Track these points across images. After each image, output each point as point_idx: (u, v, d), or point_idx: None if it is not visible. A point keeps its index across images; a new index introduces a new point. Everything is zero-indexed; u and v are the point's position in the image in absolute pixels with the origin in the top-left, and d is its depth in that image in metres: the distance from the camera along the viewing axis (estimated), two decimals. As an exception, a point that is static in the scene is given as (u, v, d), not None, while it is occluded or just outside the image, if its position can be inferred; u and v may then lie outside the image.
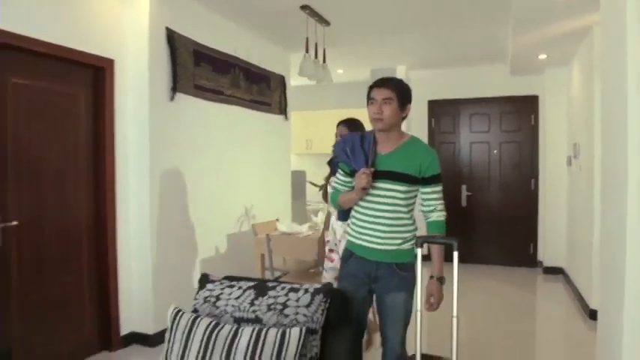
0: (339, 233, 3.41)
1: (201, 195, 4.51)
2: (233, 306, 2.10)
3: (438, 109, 7.42)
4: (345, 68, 7.15)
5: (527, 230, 7.01)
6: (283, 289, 2.12)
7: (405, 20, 5.00)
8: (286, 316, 2.00)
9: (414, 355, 2.22)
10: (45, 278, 3.39)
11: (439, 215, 2.41)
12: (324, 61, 4.99)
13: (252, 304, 2.08)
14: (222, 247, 4.89)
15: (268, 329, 1.91)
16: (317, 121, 7.85)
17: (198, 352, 1.90)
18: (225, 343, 1.88)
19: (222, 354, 1.86)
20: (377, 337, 2.55)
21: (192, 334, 1.95)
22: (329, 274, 3.52)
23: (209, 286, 2.25)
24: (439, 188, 2.42)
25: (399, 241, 2.38)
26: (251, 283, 2.20)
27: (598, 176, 4.09)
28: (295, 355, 1.84)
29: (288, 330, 1.88)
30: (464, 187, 7.27)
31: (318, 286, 2.12)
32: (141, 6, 3.89)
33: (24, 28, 3.10)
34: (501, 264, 7.06)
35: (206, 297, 2.20)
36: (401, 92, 2.36)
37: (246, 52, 5.18)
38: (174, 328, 2.02)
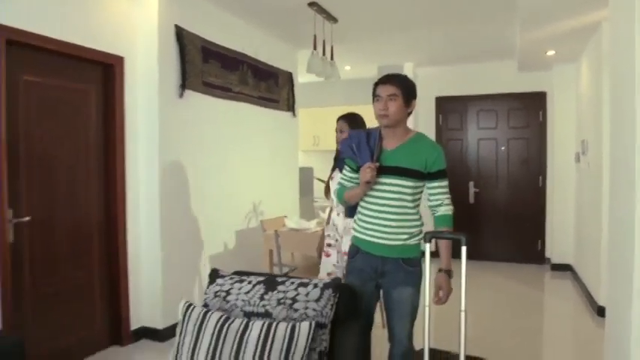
0: (341, 229, 3.42)
1: (209, 191, 4.55)
2: (243, 300, 2.12)
3: (446, 105, 7.41)
4: (353, 65, 7.16)
5: (535, 227, 6.99)
6: (292, 283, 2.14)
7: (412, 17, 5.00)
8: (296, 310, 2.03)
9: (421, 350, 2.24)
10: (56, 273, 3.44)
11: (447, 209, 2.43)
12: (331, 57, 5.00)
13: (261, 298, 2.10)
14: (231, 244, 4.92)
15: (278, 323, 1.93)
16: (324, 118, 7.79)
17: (210, 345, 1.92)
18: (235, 336, 1.91)
19: (232, 347, 1.89)
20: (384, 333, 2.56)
21: (203, 327, 1.98)
22: (323, 268, 3.50)
23: (219, 281, 2.28)
24: (445, 183, 2.44)
25: (406, 237, 2.39)
26: (261, 278, 2.22)
27: (606, 173, 4.08)
28: (305, 348, 1.86)
29: (297, 324, 1.90)
30: (471, 183, 7.27)
31: (327, 280, 2.14)
32: (150, 4, 3.91)
33: (35, 26, 3.14)
34: (509, 261, 7.05)
35: (216, 292, 2.22)
36: (406, 88, 2.38)
37: (254, 49, 5.20)
38: (185, 321, 2.05)
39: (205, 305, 2.19)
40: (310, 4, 4.44)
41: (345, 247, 3.20)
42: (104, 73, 3.77)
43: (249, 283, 2.20)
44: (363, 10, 4.76)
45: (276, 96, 5.67)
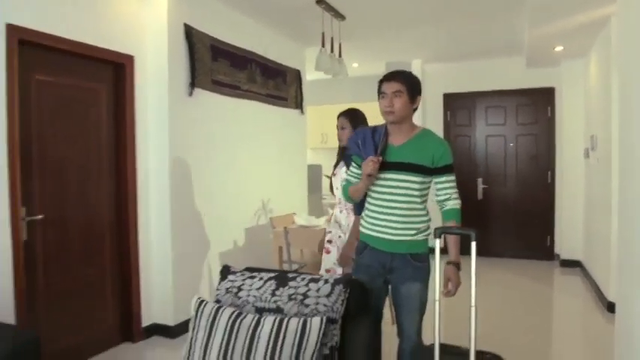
0: (344, 225, 3.39)
1: (218, 189, 4.58)
2: (255, 296, 2.14)
3: (454, 102, 7.40)
4: (361, 62, 7.16)
5: (544, 223, 6.98)
6: (303, 279, 2.15)
7: (420, 13, 5.00)
8: (307, 306, 2.04)
9: (431, 345, 2.25)
10: (69, 271, 3.48)
11: (455, 203, 2.44)
12: (339, 55, 5.01)
13: (273, 294, 2.12)
14: (240, 241, 4.95)
15: (290, 319, 1.95)
16: (333, 116, 7.70)
17: (222, 340, 1.95)
18: (248, 331, 1.93)
19: (245, 342, 1.91)
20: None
21: (215, 322, 2.00)
22: (323, 265, 3.47)
23: (230, 277, 2.30)
24: (452, 177, 2.45)
25: (413, 232, 2.41)
26: (272, 274, 2.24)
27: (616, 168, 4.06)
28: (316, 343, 1.88)
29: (309, 319, 1.92)
30: (480, 180, 7.25)
31: (337, 276, 2.16)
32: (160, 3, 3.94)
33: (46, 26, 3.17)
34: (518, 257, 7.04)
35: (228, 288, 2.24)
36: (410, 85, 2.40)
37: (263, 48, 5.22)
38: (198, 316, 2.07)
39: (217, 301, 2.21)
40: (318, 2, 4.45)
41: None
42: (115, 72, 3.81)
43: (261, 279, 2.22)
44: (371, 7, 4.77)
45: (284, 94, 5.68)
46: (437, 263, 2.23)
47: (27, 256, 3.13)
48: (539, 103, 6.94)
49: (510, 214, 7.16)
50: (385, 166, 2.38)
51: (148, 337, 4.01)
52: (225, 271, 2.35)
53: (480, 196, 7.25)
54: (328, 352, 1.97)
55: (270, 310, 2.08)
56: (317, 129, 7.98)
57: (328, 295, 2.05)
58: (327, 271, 3.40)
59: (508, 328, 4.32)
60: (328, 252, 3.46)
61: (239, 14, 4.83)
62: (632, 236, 2.45)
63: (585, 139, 6.17)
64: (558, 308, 5.23)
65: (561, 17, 4.58)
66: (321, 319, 1.91)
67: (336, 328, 2.02)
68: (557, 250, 6.89)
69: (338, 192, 3.35)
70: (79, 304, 3.56)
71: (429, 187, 2.46)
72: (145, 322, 4.01)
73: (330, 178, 3.62)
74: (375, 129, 2.47)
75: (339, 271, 3.25)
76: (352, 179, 2.58)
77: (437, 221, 2.43)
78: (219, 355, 1.94)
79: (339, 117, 3.42)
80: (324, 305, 2.03)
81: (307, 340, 1.88)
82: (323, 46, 4.72)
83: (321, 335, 1.90)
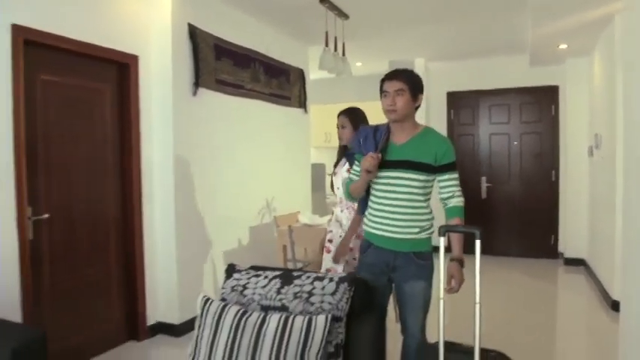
0: (345, 224, 3.37)
1: (223, 188, 4.59)
2: (260, 294, 2.15)
3: (457, 100, 7.40)
4: (364, 61, 7.16)
5: (548, 221, 6.97)
6: (308, 277, 2.16)
7: (423, 12, 4.99)
8: (312, 304, 2.05)
9: (436, 343, 2.25)
10: (74, 269, 3.50)
11: (458, 201, 2.45)
12: (343, 54, 5.02)
13: (278, 292, 2.13)
14: (245, 239, 4.96)
15: (295, 316, 1.96)
16: (336, 115, 7.84)
17: (228, 338, 1.96)
18: (253, 329, 1.94)
19: (250, 340, 1.92)
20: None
21: (221, 320, 2.01)
22: (323, 264, 3.45)
23: (236, 275, 2.31)
24: (456, 175, 2.46)
25: (417, 230, 2.41)
26: (277, 273, 2.25)
27: (620, 166, 4.06)
28: (321, 341, 1.89)
29: (314, 317, 1.93)
30: (484, 178, 7.25)
31: (342, 275, 2.17)
32: (163, 3, 3.96)
33: (51, 26, 3.19)
34: (522, 256, 7.04)
35: (233, 286, 2.25)
36: (412, 83, 2.41)
37: (266, 47, 5.23)
38: (204, 315, 2.08)
39: (223, 299, 2.22)
40: (322, 1, 4.46)
41: (351, 242, 3.22)
42: (119, 72, 3.82)
43: (266, 277, 2.23)
44: (374, 6, 4.77)
45: (287, 93, 5.69)
46: (441, 262, 2.23)
47: (33, 255, 3.15)
48: (543, 101, 6.93)
49: (514, 212, 7.15)
50: (388, 165, 2.39)
51: (153, 336, 4.03)
52: (231, 270, 2.36)
53: (483, 194, 7.25)
54: (333, 350, 1.98)
55: (275, 309, 2.09)
56: (320, 128, 7.98)
57: (333, 293, 2.06)
58: (328, 270, 3.39)
59: (512, 326, 4.32)
60: (329, 251, 3.46)
61: (242, 14, 4.84)
62: (637, 235, 2.45)
63: (589, 138, 6.16)
64: (562, 307, 5.23)
65: (565, 16, 4.56)
66: (327, 317, 1.92)
67: (341, 325, 2.03)
68: (561, 248, 6.88)
69: (339, 191, 3.36)
70: (85, 302, 3.58)
71: (432, 186, 2.47)
72: (150, 320, 4.03)
73: (331, 177, 3.62)
74: (377, 127, 2.48)
75: (340, 269, 3.25)
76: (354, 177, 2.59)
77: (440, 219, 2.43)
78: (225, 352, 1.95)
79: (339, 116, 3.43)
80: (329, 303, 2.04)
81: (312, 337, 1.89)
82: (327, 45, 4.73)
83: (326, 333, 1.90)
